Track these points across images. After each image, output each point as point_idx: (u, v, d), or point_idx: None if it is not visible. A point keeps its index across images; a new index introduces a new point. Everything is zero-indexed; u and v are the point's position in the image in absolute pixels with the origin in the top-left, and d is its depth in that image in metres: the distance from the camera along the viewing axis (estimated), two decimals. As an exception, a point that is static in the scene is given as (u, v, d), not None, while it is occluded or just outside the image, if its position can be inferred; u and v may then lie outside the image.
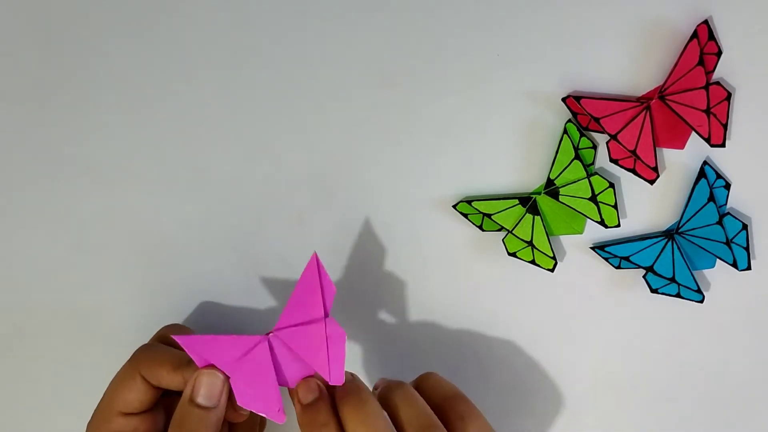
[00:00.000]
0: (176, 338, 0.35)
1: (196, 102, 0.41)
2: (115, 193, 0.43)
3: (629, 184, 0.41)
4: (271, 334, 0.35)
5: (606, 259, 0.42)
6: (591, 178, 0.40)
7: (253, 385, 0.35)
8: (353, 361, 0.45)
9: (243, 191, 0.43)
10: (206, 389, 0.35)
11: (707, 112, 0.38)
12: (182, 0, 0.40)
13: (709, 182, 0.40)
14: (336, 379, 0.36)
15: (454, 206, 0.42)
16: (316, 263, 0.35)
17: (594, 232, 0.42)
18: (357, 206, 0.43)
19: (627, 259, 0.42)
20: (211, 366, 0.35)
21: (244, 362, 0.35)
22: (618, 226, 0.41)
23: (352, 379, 0.37)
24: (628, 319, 0.44)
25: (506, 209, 0.41)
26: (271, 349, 0.36)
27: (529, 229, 0.42)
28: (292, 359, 0.36)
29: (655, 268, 0.42)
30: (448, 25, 0.39)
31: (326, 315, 0.36)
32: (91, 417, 0.38)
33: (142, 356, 0.38)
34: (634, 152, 0.39)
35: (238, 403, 0.35)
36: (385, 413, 0.35)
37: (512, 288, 0.44)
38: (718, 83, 0.39)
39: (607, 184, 0.41)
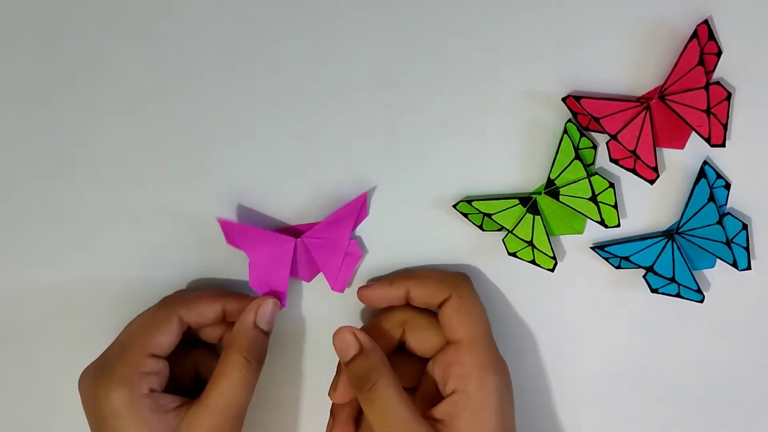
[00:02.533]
0: (219, 221, 0.40)
1: (197, 102, 0.41)
2: (115, 193, 0.43)
3: (629, 184, 0.41)
4: (299, 239, 0.41)
5: (606, 259, 0.42)
6: (591, 178, 0.40)
7: (268, 273, 0.42)
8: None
9: (243, 191, 0.43)
10: (269, 316, 0.40)
11: (707, 112, 0.38)
12: (182, 0, 0.40)
13: (709, 182, 0.40)
14: (338, 288, 0.43)
15: (454, 206, 0.42)
16: (363, 201, 0.41)
17: (594, 232, 0.42)
18: (357, 206, 0.43)
19: (627, 259, 0.42)
20: (266, 296, 0.41)
21: (268, 253, 0.41)
22: (618, 226, 0.41)
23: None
24: (628, 319, 0.44)
25: (506, 209, 0.41)
26: (294, 249, 0.41)
27: (529, 229, 0.42)
28: (309, 260, 0.42)
29: (655, 268, 0.42)
30: (448, 25, 0.39)
31: (352, 233, 0.42)
32: (113, 355, 0.38)
33: (177, 297, 0.40)
34: (634, 152, 0.39)
35: (249, 283, 0.41)
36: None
37: (512, 288, 0.44)
38: (718, 83, 0.39)
39: (607, 184, 0.41)
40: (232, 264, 0.44)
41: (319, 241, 0.42)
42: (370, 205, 0.43)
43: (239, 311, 0.40)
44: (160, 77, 0.41)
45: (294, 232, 0.42)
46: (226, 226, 0.41)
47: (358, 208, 0.41)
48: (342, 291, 0.43)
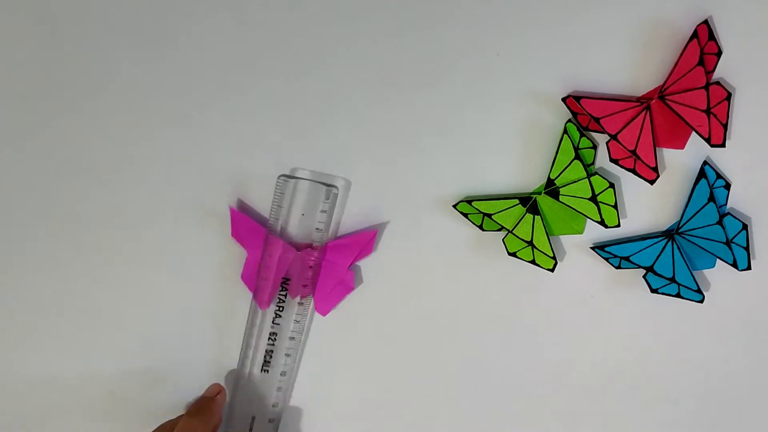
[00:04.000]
0: (231, 209, 0.42)
1: (197, 101, 0.41)
2: (115, 193, 0.43)
3: (629, 184, 0.41)
4: (300, 252, 0.43)
5: (606, 259, 0.42)
6: (591, 178, 0.40)
7: (260, 274, 0.43)
8: (353, 360, 0.45)
9: (243, 191, 0.43)
10: None
11: (707, 112, 0.38)
12: (183, 1, 0.40)
13: (709, 182, 0.40)
14: (322, 311, 0.44)
15: (454, 206, 0.42)
16: (371, 237, 0.42)
17: (594, 232, 0.42)
18: (357, 206, 0.43)
19: (627, 259, 0.42)
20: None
21: (266, 255, 0.42)
22: (618, 226, 0.41)
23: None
24: (628, 319, 0.44)
25: (506, 209, 0.41)
26: (291, 260, 0.43)
27: (529, 229, 0.42)
28: (303, 276, 0.43)
29: (655, 268, 0.42)
30: (448, 25, 0.39)
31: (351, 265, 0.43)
32: None
33: None
34: (634, 152, 0.39)
35: (240, 277, 0.43)
36: None
37: (512, 288, 0.44)
38: (718, 83, 0.39)
39: (607, 184, 0.41)
40: (231, 260, 0.44)
41: (318, 262, 0.43)
42: (370, 204, 0.43)
43: None
44: (160, 77, 0.41)
45: (295, 244, 0.43)
46: (236, 217, 0.42)
47: (365, 242, 0.42)
48: (325, 315, 0.44)
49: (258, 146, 0.42)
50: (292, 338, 0.44)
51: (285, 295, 0.44)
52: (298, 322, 0.44)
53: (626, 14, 0.39)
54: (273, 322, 0.44)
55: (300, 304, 0.44)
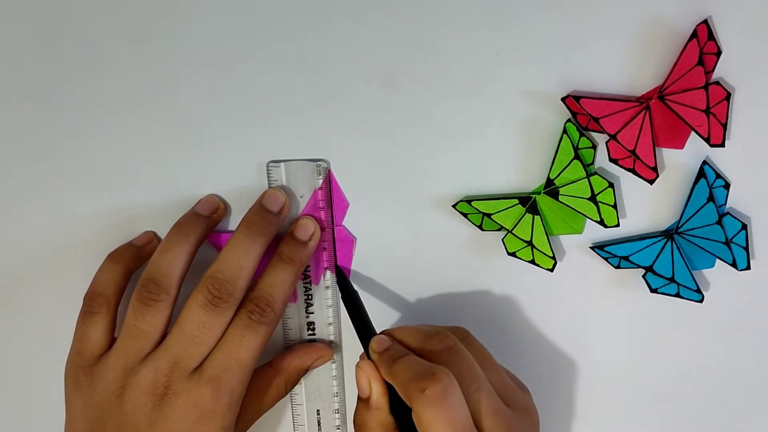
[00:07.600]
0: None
1: (197, 102, 0.41)
2: (115, 193, 0.43)
3: (629, 184, 0.42)
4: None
5: (606, 259, 0.42)
6: (590, 178, 0.40)
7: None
8: (353, 360, 0.45)
9: (243, 191, 0.43)
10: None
11: (707, 112, 0.38)
12: (182, 0, 0.40)
13: (709, 182, 0.40)
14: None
15: (454, 206, 0.42)
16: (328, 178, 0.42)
17: (594, 232, 0.42)
18: (356, 206, 0.43)
19: (626, 258, 0.42)
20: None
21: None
22: (617, 225, 0.41)
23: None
24: (627, 319, 0.44)
25: (506, 209, 0.41)
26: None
27: (528, 228, 0.42)
28: (319, 259, 0.43)
29: (654, 267, 0.42)
30: (448, 25, 0.39)
31: (337, 225, 0.43)
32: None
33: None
34: (633, 152, 0.39)
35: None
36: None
37: (512, 288, 0.44)
38: (717, 83, 0.39)
39: (607, 184, 0.41)
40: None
41: (331, 241, 0.43)
42: (369, 204, 0.43)
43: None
44: (160, 77, 0.41)
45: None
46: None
47: (338, 197, 0.42)
48: (347, 277, 0.44)
49: (257, 147, 0.42)
50: (330, 324, 0.44)
51: (309, 284, 0.44)
52: (330, 306, 0.44)
53: (626, 14, 0.39)
54: (306, 312, 0.44)
55: (327, 288, 0.44)
